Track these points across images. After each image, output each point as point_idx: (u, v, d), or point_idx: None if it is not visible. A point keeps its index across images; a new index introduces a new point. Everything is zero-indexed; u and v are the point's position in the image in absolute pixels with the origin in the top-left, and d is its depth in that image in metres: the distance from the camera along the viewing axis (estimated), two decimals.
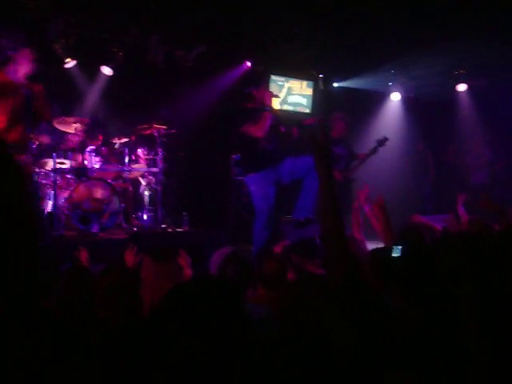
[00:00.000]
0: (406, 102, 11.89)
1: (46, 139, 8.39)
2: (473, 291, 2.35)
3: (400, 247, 3.10)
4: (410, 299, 2.41)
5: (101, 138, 8.68)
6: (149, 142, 8.82)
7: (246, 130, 6.62)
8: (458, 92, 11.23)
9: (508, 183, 10.90)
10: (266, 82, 7.09)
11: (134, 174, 8.68)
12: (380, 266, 3.04)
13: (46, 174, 7.88)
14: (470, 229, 5.70)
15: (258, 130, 6.58)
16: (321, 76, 11.14)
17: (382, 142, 8.95)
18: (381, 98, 11.86)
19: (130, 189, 8.67)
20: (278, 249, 5.16)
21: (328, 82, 11.43)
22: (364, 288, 2.24)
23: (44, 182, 7.86)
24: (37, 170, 7.86)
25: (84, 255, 4.39)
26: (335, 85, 11.61)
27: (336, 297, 2.12)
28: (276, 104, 9.17)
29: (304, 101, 11.26)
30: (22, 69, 5.58)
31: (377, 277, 3.03)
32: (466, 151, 11.52)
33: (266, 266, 3.76)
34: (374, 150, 8.95)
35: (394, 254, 3.25)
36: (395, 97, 11.71)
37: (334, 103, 11.11)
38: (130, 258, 4.48)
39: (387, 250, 3.11)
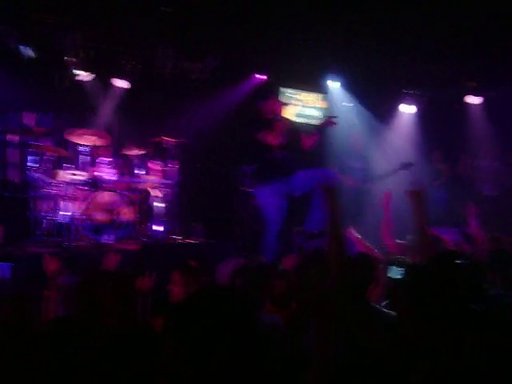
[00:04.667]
0: (419, 114, 11.85)
1: (63, 151, 8.49)
2: None
3: (399, 269, 3.09)
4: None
5: (109, 147, 8.74)
6: (161, 154, 8.88)
7: (261, 137, 6.67)
8: (469, 104, 11.21)
9: None
10: (275, 93, 7.20)
11: (147, 186, 8.72)
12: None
13: (59, 185, 7.94)
14: (492, 246, 5.68)
15: (273, 138, 6.67)
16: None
17: (405, 166, 8.82)
18: (393, 110, 11.83)
19: (143, 200, 8.71)
20: (288, 263, 5.11)
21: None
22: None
23: (57, 192, 7.93)
24: (50, 181, 7.95)
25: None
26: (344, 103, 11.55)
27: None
28: (290, 114, 9.20)
29: (319, 114, 11.27)
30: None
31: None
32: (476, 163, 11.48)
33: (275, 284, 3.67)
34: (394, 172, 8.86)
35: (395, 276, 3.22)
36: (407, 109, 11.68)
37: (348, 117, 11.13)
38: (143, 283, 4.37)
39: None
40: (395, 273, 3.75)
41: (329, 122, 7.22)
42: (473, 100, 11.08)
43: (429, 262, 2.71)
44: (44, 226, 7.93)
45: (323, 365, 2.21)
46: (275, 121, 6.72)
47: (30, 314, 3.04)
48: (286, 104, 7.39)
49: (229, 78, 10.04)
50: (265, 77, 10.23)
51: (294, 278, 3.77)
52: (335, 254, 2.68)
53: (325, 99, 11.30)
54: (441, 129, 11.44)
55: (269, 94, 7.14)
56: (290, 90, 10.75)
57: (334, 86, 11.10)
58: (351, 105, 11.48)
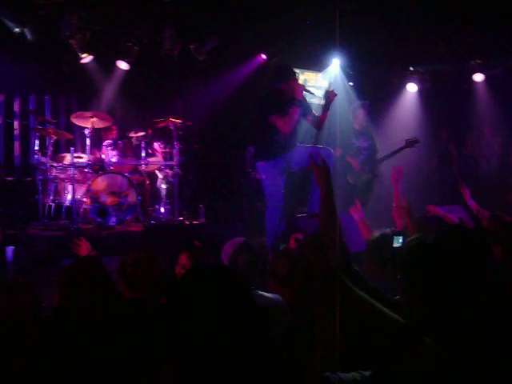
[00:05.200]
0: (424, 92, 11.79)
1: (67, 135, 8.53)
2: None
3: (401, 238, 3.13)
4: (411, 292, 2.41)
5: (115, 129, 8.75)
6: (165, 136, 8.89)
7: (273, 121, 6.56)
8: (475, 82, 11.16)
9: None
10: (294, 75, 7.00)
11: (151, 168, 8.75)
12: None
13: (64, 168, 7.98)
14: (491, 224, 5.69)
15: (284, 125, 6.51)
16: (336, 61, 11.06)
17: (411, 143, 8.57)
18: (398, 87, 11.78)
19: (147, 182, 8.75)
20: (292, 243, 5.16)
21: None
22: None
23: (62, 176, 7.97)
24: (55, 164, 7.99)
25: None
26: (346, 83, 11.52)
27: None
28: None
29: (320, 92, 11.22)
30: None
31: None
32: (478, 141, 11.46)
33: (277, 263, 3.75)
34: (400, 151, 8.64)
35: (395, 245, 3.28)
36: (412, 88, 11.62)
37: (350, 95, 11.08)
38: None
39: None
40: (397, 241, 3.79)
41: (332, 95, 7.12)
42: (478, 78, 11.03)
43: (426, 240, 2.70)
44: (50, 209, 7.99)
45: (326, 350, 2.24)
46: (291, 105, 6.61)
47: (33, 301, 3.06)
48: (308, 91, 7.18)
49: (232, 58, 10.00)
50: (264, 56, 10.20)
51: (298, 258, 3.82)
52: (328, 236, 2.68)
53: (326, 78, 11.25)
54: (446, 107, 11.40)
55: (290, 75, 6.91)
56: (295, 70, 10.69)
57: (336, 64, 11.06)
58: (351, 84, 11.45)
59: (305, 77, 10.99)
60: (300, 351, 2.57)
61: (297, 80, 6.95)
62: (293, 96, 6.63)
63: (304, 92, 6.93)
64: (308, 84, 11.02)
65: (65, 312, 2.93)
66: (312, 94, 7.73)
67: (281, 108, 6.58)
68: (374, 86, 11.42)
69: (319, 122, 6.96)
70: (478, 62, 10.66)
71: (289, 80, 6.79)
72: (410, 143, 8.59)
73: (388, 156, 8.83)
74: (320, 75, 11.23)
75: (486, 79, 10.97)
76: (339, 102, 8.58)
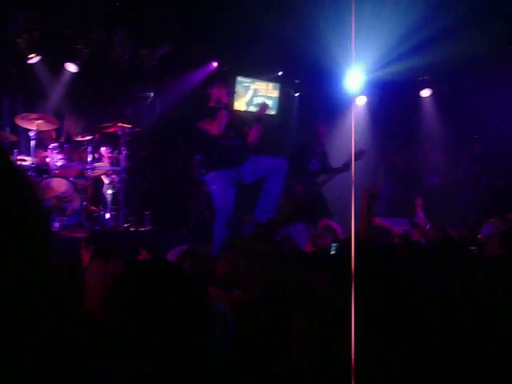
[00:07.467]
0: (372, 106, 11.94)
1: (11, 136, 8.32)
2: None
3: (336, 245, 3.20)
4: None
5: (61, 133, 8.60)
6: (112, 141, 8.78)
7: (202, 127, 6.63)
8: (422, 97, 11.39)
9: (464, 186, 11.07)
10: (223, 80, 7.08)
11: (97, 173, 8.62)
12: None
13: None
14: (431, 235, 5.81)
15: (213, 127, 6.58)
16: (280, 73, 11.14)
17: (356, 155, 8.38)
18: (346, 101, 11.90)
19: (93, 187, 8.61)
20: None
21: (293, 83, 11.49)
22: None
23: None
24: None
25: None
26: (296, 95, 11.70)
27: None
28: (241, 104, 9.15)
29: (270, 102, 11.24)
30: None
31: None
32: (421, 155, 11.70)
33: (218, 266, 3.75)
34: (347, 167, 8.46)
35: (332, 252, 3.33)
36: (361, 101, 11.75)
37: (299, 105, 11.18)
38: (85, 257, 4.42)
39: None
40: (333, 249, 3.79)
41: (263, 109, 7.23)
42: (425, 93, 11.26)
43: None
44: None
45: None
46: (218, 109, 6.65)
47: None
48: (233, 92, 7.26)
49: (183, 65, 9.97)
50: (215, 64, 10.21)
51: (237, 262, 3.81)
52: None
53: (276, 88, 11.30)
54: (394, 120, 11.59)
55: (217, 80, 7.02)
56: (245, 79, 10.71)
57: (285, 75, 11.19)
58: (297, 94, 11.59)
59: (255, 87, 11.01)
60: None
61: (224, 85, 7.00)
62: (219, 100, 6.72)
63: (232, 96, 7.03)
64: (258, 94, 11.06)
65: None
66: (234, 92, 7.74)
67: (209, 113, 6.65)
68: (323, 98, 11.53)
69: (250, 135, 7.01)
70: (426, 77, 10.90)
71: (215, 84, 6.87)
72: (355, 156, 8.36)
73: (330, 176, 8.69)
74: (270, 85, 11.27)
75: (433, 94, 11.23)
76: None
